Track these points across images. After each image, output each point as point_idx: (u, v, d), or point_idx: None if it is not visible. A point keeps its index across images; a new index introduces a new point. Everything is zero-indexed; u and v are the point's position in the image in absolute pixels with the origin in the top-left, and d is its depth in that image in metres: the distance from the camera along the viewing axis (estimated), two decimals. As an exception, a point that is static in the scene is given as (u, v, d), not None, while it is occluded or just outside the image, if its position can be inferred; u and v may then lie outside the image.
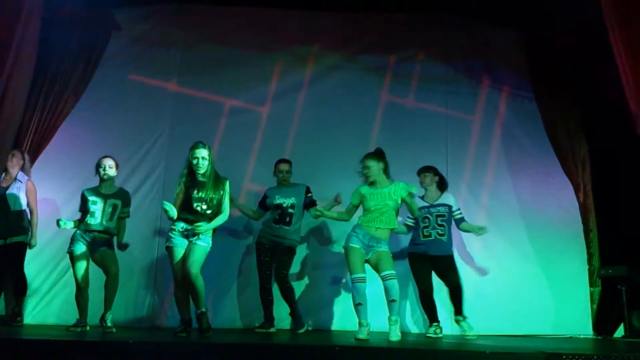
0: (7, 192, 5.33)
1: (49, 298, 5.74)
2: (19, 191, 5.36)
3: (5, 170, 5.35)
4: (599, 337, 5.74)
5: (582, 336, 5.77)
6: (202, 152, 4.59)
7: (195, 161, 4.57)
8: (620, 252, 5.87)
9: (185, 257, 4.49)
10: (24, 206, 5.39)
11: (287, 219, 5.45)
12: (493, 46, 6.65)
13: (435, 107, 6.50)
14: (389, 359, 3.76)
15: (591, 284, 5.99)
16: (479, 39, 6.66)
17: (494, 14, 6.43)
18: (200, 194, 4.55)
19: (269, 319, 5.37)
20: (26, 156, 5.54)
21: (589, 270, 6.02)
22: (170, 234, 4.59)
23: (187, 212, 4.56)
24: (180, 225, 4.55)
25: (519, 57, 6.61)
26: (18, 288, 5.34)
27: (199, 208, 4.54)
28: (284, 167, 5.57)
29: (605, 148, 6.13)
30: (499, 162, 6.34)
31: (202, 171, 4.59)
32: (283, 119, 6.32)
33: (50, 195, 5.87)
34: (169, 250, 4.58)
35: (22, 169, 5.45)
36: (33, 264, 5.69)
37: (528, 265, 6.04)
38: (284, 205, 5.47)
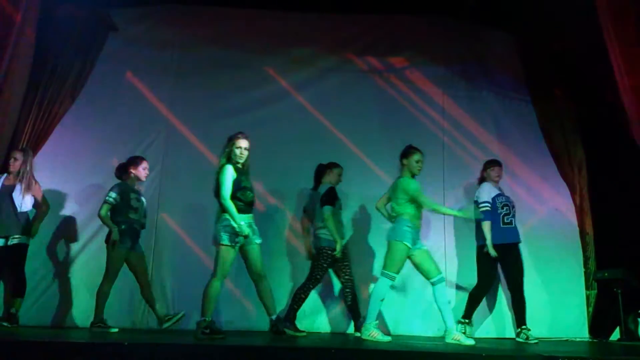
0: (14, 192, 5.33)
1: (44, 299, 5.72)
2: (23, 191, 5.35)
3: (8, 171, 5.35)
4: (595, 340, 5.74)
5: (578, 339, 5.77)
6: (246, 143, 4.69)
7: (238, 151, 4.63)
8: (617, 255, 5.87)
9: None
10: (28, 207, 5.38)
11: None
12: (490, 49, 6.67)
13: (432, 109, 6.51)
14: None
15: (587, 287, 6.00)
16: (476, 42, 6.68)
17: (491, 16, 6.46)
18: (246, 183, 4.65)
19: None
20: (27, 155, 5.49)
21: (585, 273, 6.02)
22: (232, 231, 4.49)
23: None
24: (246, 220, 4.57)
25: (516, 60, 6.63)
26: (17, 289, 5.31)
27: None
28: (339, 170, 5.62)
29: (601, 150, 6.14)
30: (495, 164, 6.33)
31: (243, 160, 4.68)
32: (280, 120, 6.31)
33: (46, 195, 5.82)
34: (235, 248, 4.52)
35: (25, 167, 5.42)
36: (29, 265, 5.66)
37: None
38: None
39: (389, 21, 6.69)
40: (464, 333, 5.37)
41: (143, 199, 5.36)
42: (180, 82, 6.39)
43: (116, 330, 5.04)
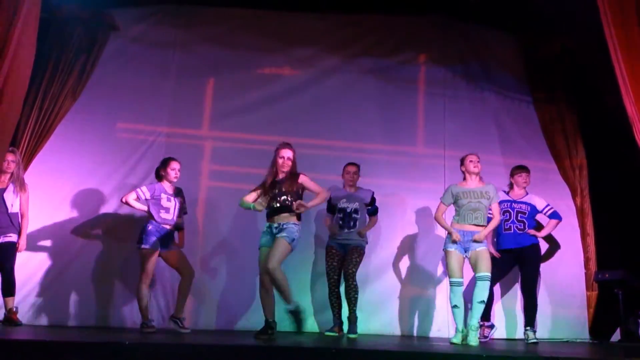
0: (5, 193, 5.31)
1: (43, 299, 5.71)
2: (15, 192, 5.35)
3: (1, 171, 5.34)
4: (596, 342, 5.74)
5: (578, 340, 5.77)
6: (288, 153, 4.87)
7: (280, 161, 4.85)
8: (617, 256, 5.87)
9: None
10: (18, 209, 5.37)
11: (352, 224, 5.52)
12: (491, 49, 6.67)
13: (434, 110, 6.50)
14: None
15: (588, 288, 5.99)
16: (477, 42, 6.67)
17: (493, 17, 6.45)
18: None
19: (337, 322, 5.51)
20: (18, 157, 5.50)
21: (586, 274, 6.01)
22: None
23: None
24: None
25: (517, 61, 6.62)
26: (7, 288, 5.27)
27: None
28: (351, 168, 5.67)
29: (602, 152, 6.15)
30: (496, 165, 6.33)
31: (285, 169, 4.87)
32: (281, 121, 6.30)
33: (47, 195, 5.84)
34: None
35: (18, 169, 5.42)
36: (29, 264, 5.68)
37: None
38: (348, 210, 5.55)
39: (390, 21, 6.68)
40: (487, 337, 5.38)
41: (177, 199, 5.38)
42: (181, 82, 6.38)
43: (154, 330, 5.12)
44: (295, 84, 6.51)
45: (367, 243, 5.62)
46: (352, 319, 5.39)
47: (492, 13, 6.36)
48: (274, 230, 4.73)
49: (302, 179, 4.83)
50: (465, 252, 4.89)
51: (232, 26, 6.56)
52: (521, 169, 5.73)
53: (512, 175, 5.78)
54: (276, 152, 4.92)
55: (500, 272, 5.51)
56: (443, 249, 5.00)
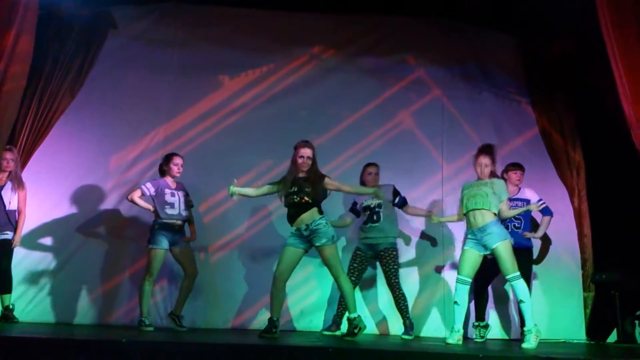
0: (3, 191, 5.32)
1: (41, 296, 5.71)
2: (13, 190, 5.35)
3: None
4: (592, 342, 5.75)
5: (575, 341, 5.77)
6: (308, 152, 4.77)
7: (300, 160, 4.75)
8: (614, 258, 5.88)
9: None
10: (16, 206, 5.37)
11: (375, 217, 5.46)
12: (490, 51, 6.66)
13: (432, 111, 6.50)
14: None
15: (585, 289, 6.00)
16: (476, 44, 6.66)
17: (492, 18, 6.45)
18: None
19: (336, 321, 5.50)
20: (16, 155, 5.49)
21: (583, 275, 6.02)
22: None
23: None
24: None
25: (516, 62, 6.62)
26: (5, 285, 5.29)
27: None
28: (373, 169, 5.61)
29: (600, 153, 6.15)
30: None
31: (305, 169, 4.77)
32: (280, 120, 6.30)
33: (44, 193, 5.84)
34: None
35: (16, 168, 5.42)
36: (26, 262, 5.69)
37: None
38: (372, 205, 5.49)
39: (389, 22, 6.68)
40: (482, 337, 5.37)
41: (180, 193, 5.38)
42: (181, 80, 6.37)
43: (152, 329, 5.13)
44: (295, 84, 6.50)
45: (396, 236, 5.62)
46: (409, 324, 5.35)
47: (491, 14, 6.36)
48: (305, 233, 4.66)
49: (327, 182, 4.75)
50: (485, 249, 4.77)
51: (231, 25, 6.56)
52: (516, 166, 5.72)
53: (506, 171, 5.73)
54: (295, 151, 4.82)
55: (494, 270, 5.50)
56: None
